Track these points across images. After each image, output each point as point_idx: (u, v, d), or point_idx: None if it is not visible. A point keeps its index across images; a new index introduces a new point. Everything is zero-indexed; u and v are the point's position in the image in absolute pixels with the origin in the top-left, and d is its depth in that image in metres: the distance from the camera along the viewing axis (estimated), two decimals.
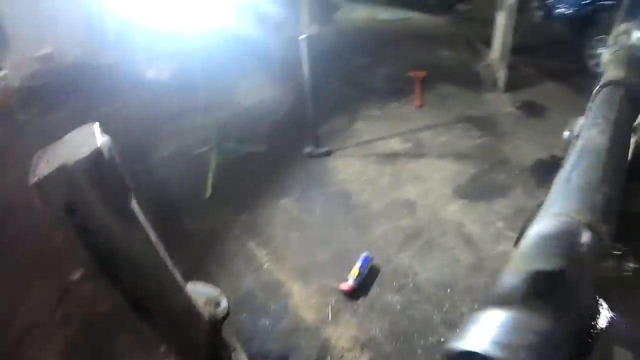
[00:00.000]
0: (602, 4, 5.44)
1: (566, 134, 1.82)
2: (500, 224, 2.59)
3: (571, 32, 5.87)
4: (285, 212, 2.44)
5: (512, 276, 0.63)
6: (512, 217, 2.66)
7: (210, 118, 3.00)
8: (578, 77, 5.57)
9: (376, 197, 2.66)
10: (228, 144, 2.92)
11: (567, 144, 2.55)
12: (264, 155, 2.97)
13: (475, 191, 2.88)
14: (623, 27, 2.64)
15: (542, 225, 0.71)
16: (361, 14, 8.17)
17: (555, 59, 6.04)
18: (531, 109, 4.29)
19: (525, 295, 0.57)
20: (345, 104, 3.87)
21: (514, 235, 2.43)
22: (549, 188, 2.55)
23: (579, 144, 1.07)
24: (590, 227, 0.67)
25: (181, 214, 2.41)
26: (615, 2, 5.30)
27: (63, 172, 0.72)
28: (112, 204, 0.80)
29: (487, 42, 5.41)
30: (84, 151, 0.74)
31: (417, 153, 3.21)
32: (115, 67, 3.85)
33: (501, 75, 4.45)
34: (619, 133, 1.10)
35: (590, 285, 0.62)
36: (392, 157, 3.12)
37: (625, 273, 1.18)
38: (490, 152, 3.42)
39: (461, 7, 10.11)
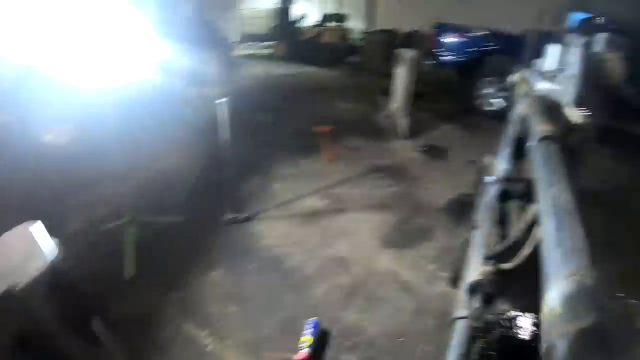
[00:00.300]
0: (486, 49, 6.47)
1: (488, 178, 2.13)
2: (431, 267, 2.81)
3: (459, 76, 6.84)
4: (218, 285, 2.39)
5: (559, 341, 0.69)
6: (440, 258, 2.90)
7: (121, 186, 2.90)
8: (468, 116, 6.45)
9: (308, 258, 2.74)
10: (144, 215, 2.82)
11: (481, 183, 2.95)
12: (183, 226, 2.91)
13: (401, 238, 3.11)
14: (519, 75, 3.18)
15: (561, 288, 0.82)
16: (259, 70, 8.65)
17: (446, 102, 6.95)
18: (434, 152, 4.81)
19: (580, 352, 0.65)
20: (257, 164, 3.99)
21: (447, 275, 2.70)
22: (466, 225, 2.87)
23: (546, 203, 1.22)
24: (598, 281, 0.82)
25: (103, 301, 2.24)
26: (497, 47, 6.37)
27: (10, 299, 0.60)
28: (74, 327, 0.73)
29: (383, 92, 6.06)
30: (30, 267, 0.64)
31: (338, 208, 3.40)
32: (3, 128, 3.52)
33: (403, 123, 4.98)
34: (573, 187, 1.31)
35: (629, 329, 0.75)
36: (314, 215, 3.25)
37: None
38: (405, 198, 3.74)
39: (351, 59, 11.25)
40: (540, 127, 1.61)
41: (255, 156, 4.13)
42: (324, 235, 3.02)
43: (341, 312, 2.30)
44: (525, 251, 1.79)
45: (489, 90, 6.52)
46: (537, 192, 1.31)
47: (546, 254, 0.96)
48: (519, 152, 2.30)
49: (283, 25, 11.12)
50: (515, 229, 2.20)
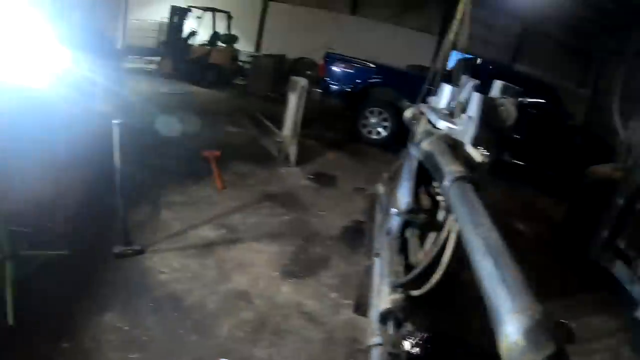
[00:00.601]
0: (372, 81, 7.13)
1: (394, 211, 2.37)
2: (333, 295, 2.98)
3: (346, 105, 7.42)
4: (114, 330, 2.23)
5: None
6: (341, 286, 3.09)
7: None
8: (353, 144, 6.98)
9: (208, 293, 2.69)
10: (23, 249, 2.52)
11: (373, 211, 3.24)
12: (69, 260, 2.66)
13: (300, 268, 3.22)
14: (413, 110, 3.56)
15: (517, 323, 0.99)
16: (144, 86, 8.30)
17: (332, 130, 7.43)
18: (323, 180, 5.10)
19: None
20: (143, 190, 3.80)
21: (349, 302, 2.92)
22: (361, 252, 3.16)
23: (478, 243, 1.39)
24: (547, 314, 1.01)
25: None
26: (382, 80, 7.04)
27: None
28: None
29: (270, 117, 6.29)
30: None
31: (233, 239, 3.40)
32: None
33: (293, 150, 5.21)
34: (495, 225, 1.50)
35: None
36: (209, 247, 3.21)
37: None
38: (300, 227, 3.90)
39: (238, 81, 11.36)
40: (452, 167, 1.85)
41: (141, 182, 3.96)
42: (222, 268, 3.02)
43: (251, 350, 2.34)
44: (435, 279, 2.07)
45: (373, 120, 7.17)
46: (463, 231, 1.52)
47: (490, 292, 1.09)
48: (421, 186, 2.63)
49: (172, 41, 10.86)
50: (423, 258, 2.50)
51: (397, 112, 7.14)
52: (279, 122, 5.94)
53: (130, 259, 2.87)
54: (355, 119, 7.22)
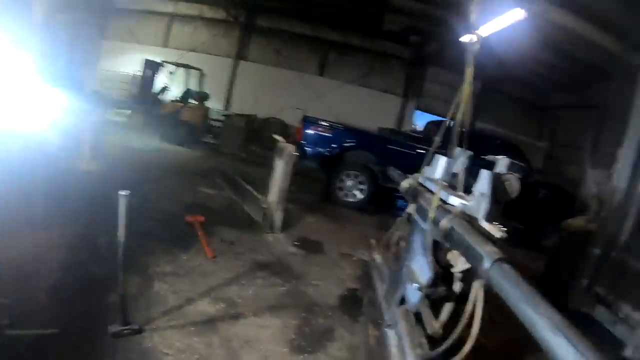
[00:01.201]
0: (348, 145, 7.29)
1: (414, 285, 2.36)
2: None
3: (322, 168, 7.51)
4: None
5: None
6: (351, 358, 3.06)
7: None
8: (329, 207, 7.00)
9: None
10: (3, 325, 2.26)
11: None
12: (59, 340, 2.43)
13: (307, 342, 3.09)
14: (410, 181, 3.62)
15: None
16: (115, 140, 8.09)
17: (308, 193, 7.46)
18: (309, 246, 5.02)
19: None
20: (131, 258, 3.61)
21: None
22: (362, 321, 3.11)
23: (544, 322, 1.46)
24: None
25: None
26: (357, 143, 7.22)
27: None
28: None
29: (246, 179, 6.25)
30: None
31: (234, 314, 3.22)
32: None
33: (278, 216, 5.15)
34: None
35: None
36: (210, 323, 3.03)
37: None
38: (298, 297, 3.76)
39: (208, 140, 11.30)
40: (488, 248, 1.92)
41: (128, 247, 3.78)
42: (229, 347, 2.85)
43: None
44: (467, 349, 2.05)
45: (349, 183, 7.28)
46: (518, 310, 1.58)
47: None
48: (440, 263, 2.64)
49: (143, 95, 10.78)
50: (439, 329, 2.48)
51: (373, 176, 7.31)
52: (255, 185, 5.95)
53: (128, 339, 2.68)
54: (331, 182, 7.30)
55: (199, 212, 4.97)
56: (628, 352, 4.14)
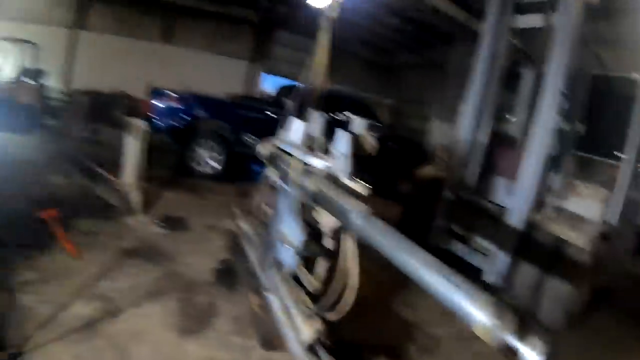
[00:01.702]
0: (199, 114, 7.11)
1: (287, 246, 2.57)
2: (237, 340, 3.11)
3: (175, 141, 7.25)
4: None
5: None
6: (239, 329, 3.23)
7: None
8: (186, 180, 6.89)
9: None
10: None
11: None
12: None
13: (193, 323, 3.18)
14: (268, 146, 3.71)
15: (484, 315, 1.47)
16: None
17: (165, 168, 7.19)
18: (174, 223, 4.96)
19: None
20: None
21: (254, 342, 3.02)
22: (242, 291, 3.32)
23: (421, 265, 1.72)
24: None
25: None
26: (208, 112, 7.07)
27: None
28: None
29: (96, 162, 5.83)
30: None
31: (113, 310, 3.07)
32: None
33: (136, 197, 4.96)
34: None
35: None
36: (91, 326, 2.87)
37: None
38: (173, 279, 3.77)
39: (50, 122, 9.95)
40: (356, 205, 2.18)
41: None
42: (117, 346, 2.79)
43: None
44: (350, 299, 2.35)
45: (204, 153, 7.19)
46: (394, 257, 1.86)
47: (449, 296, 1.55)
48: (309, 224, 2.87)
49: None
50: (321, 284, 2.76)
51: (227, 144, 7.32)
52: (107, 167, 5.57)
53: None
54: (185, 154, 7.14)
55: (50, 205, 4.50)
56: (484, 276, 5.01)
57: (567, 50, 4.55)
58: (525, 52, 6.19)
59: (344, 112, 8.46)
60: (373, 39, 16.35)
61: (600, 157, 5.33)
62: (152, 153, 6.20)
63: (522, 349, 1.33)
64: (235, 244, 4.22)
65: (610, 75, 5.66)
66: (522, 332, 1.36)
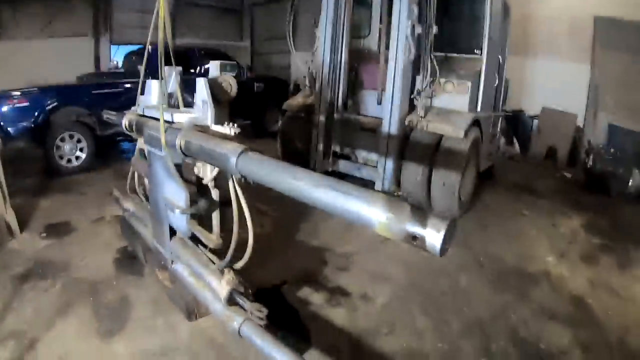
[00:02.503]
0: (51, 107, 6.34)
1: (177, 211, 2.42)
2: (160, 321, 3.01)
3: (34, 142, 6.46)
4: None
5: None
6: (160, 310, 3.12)
7: None
8: (58, 180, 6.27)
9: None
10: None
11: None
12: None
13: (111, 322, 3.00)
14: (130, 116, 3.40)
15: (379, 212, 1.50)
16: None
17: (30, 176, 6.40)
18: (59, 230, 4.53)
19: None
20: None
21: (181, 317, 2.89)
22: (148, 271, 3.13)
23: (313, 185, 1.69)
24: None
25: None
26: (59, 101, 6.35)
27: None
28: None
29: None
30: None
31: (29, 343, 2.69)
32: None
33: (11, 217, 4.35)
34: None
35: None
36: None
37: None
38: (76, 286, 3.46)
39: None
40: (230, 146, 2.10)
41: None
42: None
43: None
44: (251, 245, 2.30)
45: (68, 146, 6.53)
46: (276, 186, 1.80)
47: (345, 205, 1.55)
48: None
49: None
50: (219, 236, 2.66)
51: (90, 129, 6.71)
52: None
53: None
54: (48, 153, 6.42)
55: None
56: (377, 186, 5.17)
57: None
58: None
59: (203, 66, 8.17)
60: None
61: (459, 53, 5.65)
62: (12, 163, 5.51)
63: (424, 232, 1.36)
64: (126, 227, 3.97)
65: None
66: (419, 217, 1.39)
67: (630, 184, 6.94)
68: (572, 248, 4.78)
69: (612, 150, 7.59)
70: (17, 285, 3.52)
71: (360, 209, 1.50)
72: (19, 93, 6.33)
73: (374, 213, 1.46)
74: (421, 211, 1.42)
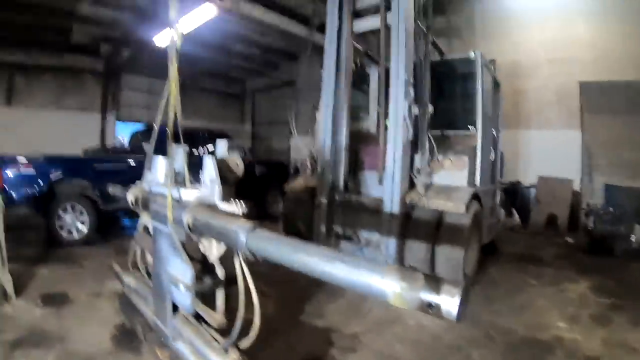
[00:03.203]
0: (55, 177, 6.39)
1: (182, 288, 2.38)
2: None
3: (35, 211, 6.48)
4: None
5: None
6: None
7: None
8: (58, 250, 6.20)
9: None
10: None
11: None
12: None
13: None
14: (136, 191, 3.42)
15: (391, 284, 1.50)
16: None
17: (30, 244, 6.35)
18: (56, 300, 4.40)
19: None
20: None
21: None
22: (146, 349, 2.99)
23: (323, 258, 1.69)
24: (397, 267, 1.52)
25: None
26: (66, 172, 6.42)
27: None
28: None
29: None
30: None
31: None
32: None
33: (8, 282, 4.28)
34: None
35: None
36: None
37: None
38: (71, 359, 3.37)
39: None
40: (240, 223, 2.10)
41: None
42: None
43: None
44: (257, 324, 2.24)
45: (69, 218, 6.53)
46: (286, 262, 1.78)
47: (357, 277, 1.56)
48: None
49: None
50: (223, 316, 2.60)
51: (93, 202, 6.73)
52: None
53: None
54: (49, 223, 6.40)
55: None
56: None
57: (404, 44, 4.93)
58: (369, 54, 6.57)
59: (206, 147, 8.38)
60: (222, 69, 16.42)
61: (454, 130, 5.82)
62: (14, 229, 5.48)
63: (438, 299, 1.37)
64: (126, 303, 3.86)
65: (449, 59, 6.18)
66: (433, 285, 1.40)
67: (633, 240, 6.94)
68: (583, 311, 4.70)
69: (610, 209, 7.62)
70: (9, 352, 3.40)
71: (374, 281, 1.50)
72: (25, 160, 6.42)
73: (387, 284, 1.46)
74: (434, 279, 1.42)
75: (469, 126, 5.68)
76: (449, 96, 6.38)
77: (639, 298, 5.06)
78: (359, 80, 6.49)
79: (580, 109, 9.98)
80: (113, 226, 7.86)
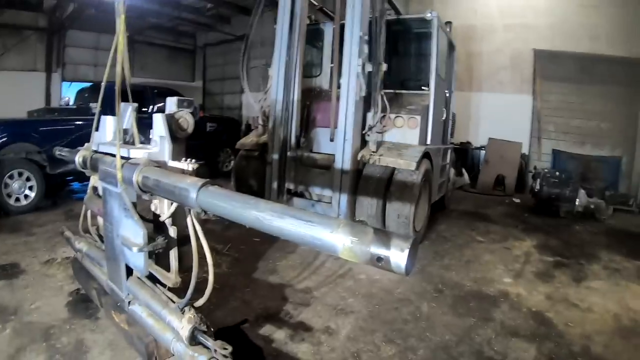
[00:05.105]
0: (1, 145, 6.05)
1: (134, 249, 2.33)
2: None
3: None
4: None
5: None
6: (118, 355, 2.94)
7: None
8: (6, 219, 5.96)
9: None
10: None
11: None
12: None
13: None
14: (83, 153, 3.27)
15: (343, 239, 1.50)
16: None
17: None
18: (6, 272, 4.22)
19: None
20: None
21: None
22: (101, 314, 2.94)
23: (274, 215, 1.67)
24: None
25: None
26: (8, 140, 6.08)
27: None
28: None
29: None
30: None
31: None
32: None
33: None
34: None
35: None
36: None
37: None
38: (29, 330, 3.19)
39: None
40: (190, 181, 2.06)
41: None
42: None
43: None
44: (211, 282, 2.23)
45: (16, 184, 6.25)
46: (238, 219, 1.77)
47: (308, 231, 1.55)
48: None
49: None
50: (193, 270, 2.56)
51: (40, 166, 6.45)
52: None
53: None
54: None
55: None
56: None
57: (360, 0, 4.89)
58: (324, 9, 6.43)
59: (156, 105, 8.14)
60: (171, 23, 15.67)
61: (408, 90, 5.85)
62: None
63: (388, 252, 1.39)
64: (80, 269, 3.74)
65: (405, 18, 6.15)
66: (383, 239, 1.41)
67: (577, 203, 7.32)
68: (527, 268, 4.99)
69: (557, 173, 7.97)
70: None
71: (324, 236, 1.51)
72: None
73: (337, 238, 1.47)
74: (384, 233, 1.44)
75: (423, 86, 5.73)
76: (404, 55, 6.37)
77: (581, 257, 5.41)
78: (313, 36, 6.38)
79: (533, 75, 10.29)
80: (62, 190, 7.64)
